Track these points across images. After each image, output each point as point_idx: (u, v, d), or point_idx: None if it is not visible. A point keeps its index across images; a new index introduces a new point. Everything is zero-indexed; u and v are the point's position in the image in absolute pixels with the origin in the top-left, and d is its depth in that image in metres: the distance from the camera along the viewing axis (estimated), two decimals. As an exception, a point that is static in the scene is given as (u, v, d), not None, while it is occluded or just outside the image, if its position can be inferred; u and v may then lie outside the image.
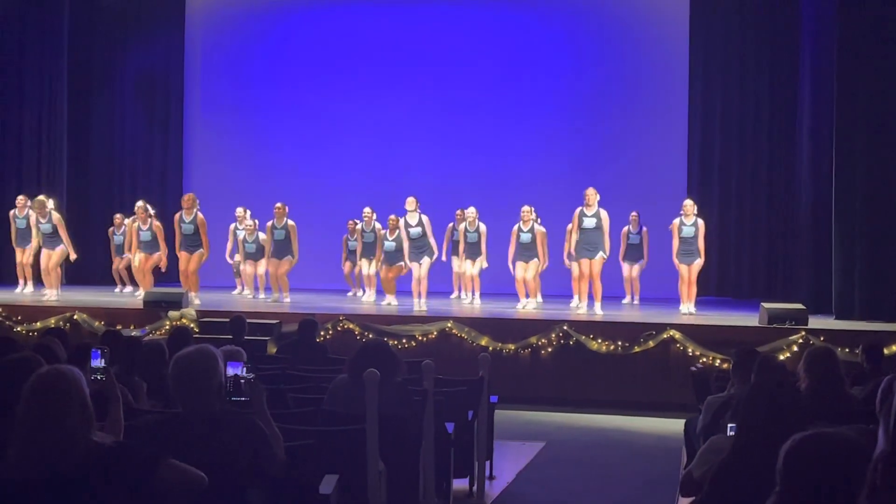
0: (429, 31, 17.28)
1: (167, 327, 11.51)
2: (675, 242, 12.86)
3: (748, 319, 11.83)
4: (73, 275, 16.59)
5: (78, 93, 17.52)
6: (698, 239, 12.79)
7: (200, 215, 13.46)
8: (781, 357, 9.97)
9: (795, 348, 10.54)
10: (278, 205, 13.98)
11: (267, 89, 17.73)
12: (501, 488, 7.64)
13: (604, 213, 12.60)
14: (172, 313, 11.85)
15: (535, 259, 13.23)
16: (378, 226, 14.11)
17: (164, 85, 17.99)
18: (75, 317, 11.99)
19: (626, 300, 14.49)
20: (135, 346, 6.45)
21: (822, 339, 10.47)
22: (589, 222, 12.60)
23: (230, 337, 8.74)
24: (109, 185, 17.65)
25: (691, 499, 4.01)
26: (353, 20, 17.48)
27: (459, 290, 14.51)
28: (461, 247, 13.86)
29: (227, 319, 9.57)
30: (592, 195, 12.63)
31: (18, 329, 11.87)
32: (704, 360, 10.67)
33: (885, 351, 8.28)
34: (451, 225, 14.67)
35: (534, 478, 8.05)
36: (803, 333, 10.77)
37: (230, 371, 4.31)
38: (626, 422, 10.38)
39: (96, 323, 11.86)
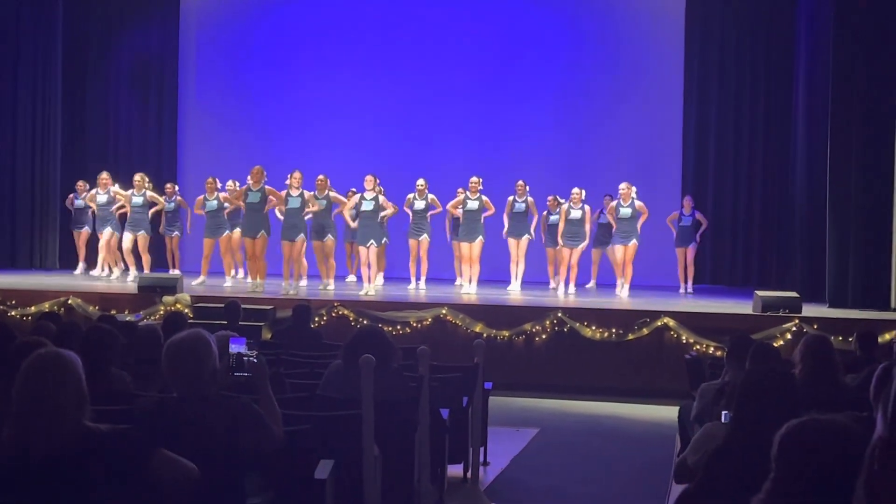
0: (426, 15, 17.22)
1: (161, 312, 11.50)
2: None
3: (742, 307, 11.87)
4: (67, 259, 16.60)
5: (72, 78, 17.47)
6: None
7: (268, 186, 13.17)
8: (775, 345, 9.98)
9: (789, 336, 10.57)
10: (321, 177, 13.40)
11: (262, 74, 17.68)
12: (495, 474, 7.67)
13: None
14: (167, 298, 11.84)
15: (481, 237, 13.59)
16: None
17: (159, 70, 17.92)
18: (69, 301, 11.97)
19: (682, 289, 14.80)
20: (130, 331, 6.45)
21: (815, 326, 10.51)
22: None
23: (225, 322, 8.74)
24: (104, 167, 17.46)
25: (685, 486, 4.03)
26: (349, 4, 17.42)
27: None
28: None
29: (222, 305, 9.56)
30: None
31: (13, 313, 11.86)
32: (698, 347, 10.69)
33: (879, 339, 8.31)
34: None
35: (528, 464, 8.07)
36: (797, 321, 10.80)
37: (233, 349, 4.32)
38: (620, 409, 10.41)
39: (90, 308, 11.84)
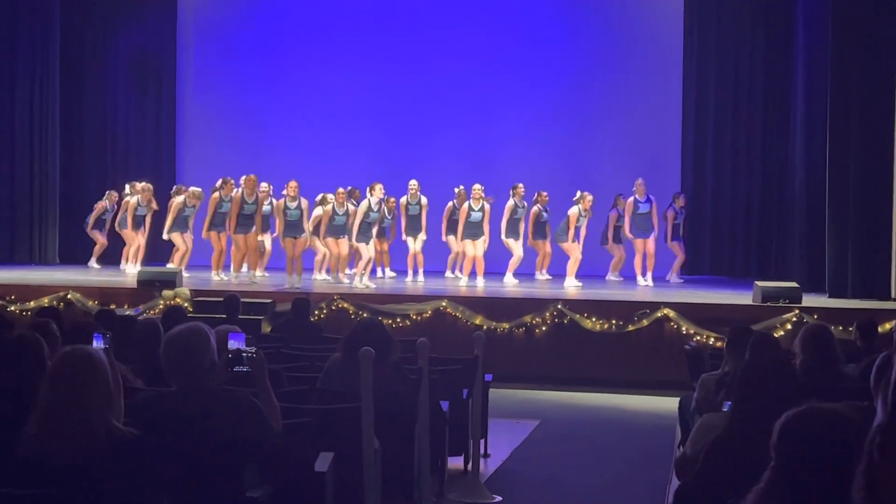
0: (422, 10, 17.17)
1: (161, 307, 11.48)
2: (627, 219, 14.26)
3: (742, 298, 11.86)
4: (65, 255, 16.63)
5: (70, 71, 17.41)
6: (653, 216, 14.26)
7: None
8: (775, 335, 9.97)
9: (789, 326, 10.57)
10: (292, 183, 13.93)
11: (260, 67, 17.62)
12: (496, 466, 7.68)
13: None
14: (166, 292, 11.83)
15: (483, 237, 13.87)
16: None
17: (157, 63, 17.85)
18: (69, 296, 11.96)
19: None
20: (130, 325, 6.44)
21: (815, 317, 10.49)
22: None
23: (224, 316, 8.72)
24: (102, 163, 17.57)
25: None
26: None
27: (454, 270, 14.58)
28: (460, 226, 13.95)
29: (221, 299, 9.56)
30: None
31: (12, 308, 11.85)
32: (698, 338, 10.69)
33: (879, 329, 8.30)
34: (450, 204, 14.46)
35: (528, 456, 8.07)
36: (797, 312, 10.79)
37: (232, 345, 4.31)
38: (620, 400, 10.40)
39: (90, 302, 11.84)
